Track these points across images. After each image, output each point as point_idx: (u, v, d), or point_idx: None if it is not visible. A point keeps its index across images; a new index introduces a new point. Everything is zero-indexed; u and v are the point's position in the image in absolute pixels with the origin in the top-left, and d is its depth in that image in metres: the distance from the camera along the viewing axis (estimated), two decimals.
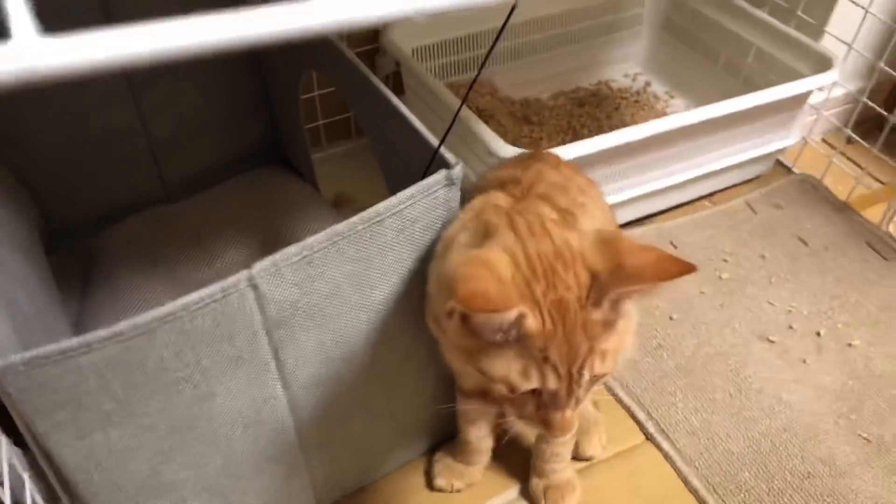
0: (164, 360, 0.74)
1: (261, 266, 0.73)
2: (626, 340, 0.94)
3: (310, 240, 0.74)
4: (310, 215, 1.27)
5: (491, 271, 0.66)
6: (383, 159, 1.03)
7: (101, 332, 0.69)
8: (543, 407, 0.69)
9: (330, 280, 0.78)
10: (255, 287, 0.73)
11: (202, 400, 0.79)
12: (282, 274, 0.74)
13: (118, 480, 0.81)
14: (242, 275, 0.72)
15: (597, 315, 0.67)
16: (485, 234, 0.74)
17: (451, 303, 0.65)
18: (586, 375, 0.67)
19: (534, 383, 0.66)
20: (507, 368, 0.67)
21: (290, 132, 1.35)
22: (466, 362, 0.71)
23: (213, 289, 0.71)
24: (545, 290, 0.66)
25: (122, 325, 0.69)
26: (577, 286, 0.67)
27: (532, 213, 0.74)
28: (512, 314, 0.64)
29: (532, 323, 0.65)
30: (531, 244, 0.69)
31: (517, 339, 0.66)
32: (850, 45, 1.45)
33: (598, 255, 0.68)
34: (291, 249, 0.74)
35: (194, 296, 0.71)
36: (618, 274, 0.66)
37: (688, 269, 0.64)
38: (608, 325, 0.68)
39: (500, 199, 0.80)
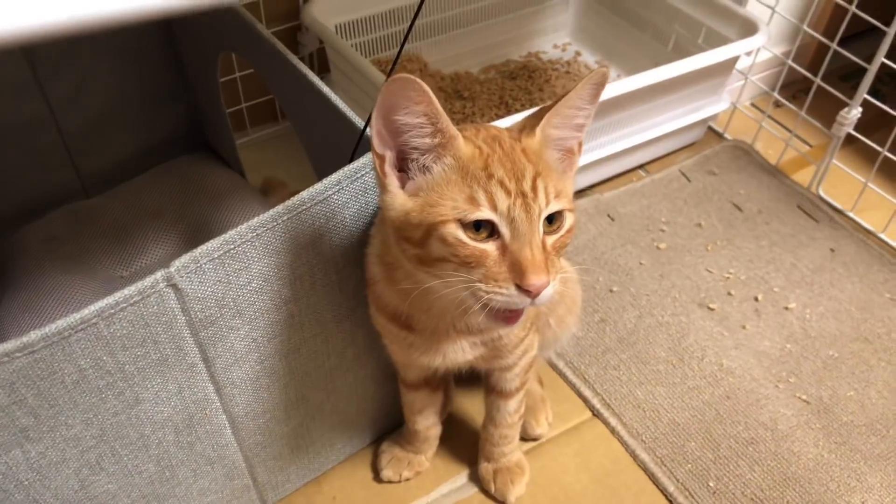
0: (83, 369, 0.69)
1: (179, 263, 0.69)
2: (574, 291, 1.00)
3: (231, 233, 0.70)
4: (237, 204, 1.22)
5: None
6: (308, 143, 0.98)
7: (9, 345, 0.64)
8: (508, 251, 0.65)
9: (257, 274, 0.74)
10: (174, 286, 0.69)
11: (128, 407, 0.75)
12: (203, 270, 0.70)
13: (43, 497, 0.76)
14: (160, 274, 0.68)
15: (533, 143, 0.67)
16: None
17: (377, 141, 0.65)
18: (541, 197, 0.64)
19: (483, 207, 0.63)
20: (453, 200, 0.64)
21: (211, 117, 1.29)
22: (414, 227, 0.66)
23: (129, 291, 0.67)
24: (475, 132, 0.68)
25: (32, 336, 0.64)
26: (507, 134, 0.69)
27: None
28: (430, 96, 0.62)
29: (464, 146, 0.65)
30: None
31: (457, 170, 0.65)
32: (773, 9, 1.46)
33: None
34: (212, 244, 0.70)
35: (110, 300, 0.66)
36: (541, 109, 0.68)
37: (603, 72, 0.65)
38: (552, 167, 0.68)
39: None
